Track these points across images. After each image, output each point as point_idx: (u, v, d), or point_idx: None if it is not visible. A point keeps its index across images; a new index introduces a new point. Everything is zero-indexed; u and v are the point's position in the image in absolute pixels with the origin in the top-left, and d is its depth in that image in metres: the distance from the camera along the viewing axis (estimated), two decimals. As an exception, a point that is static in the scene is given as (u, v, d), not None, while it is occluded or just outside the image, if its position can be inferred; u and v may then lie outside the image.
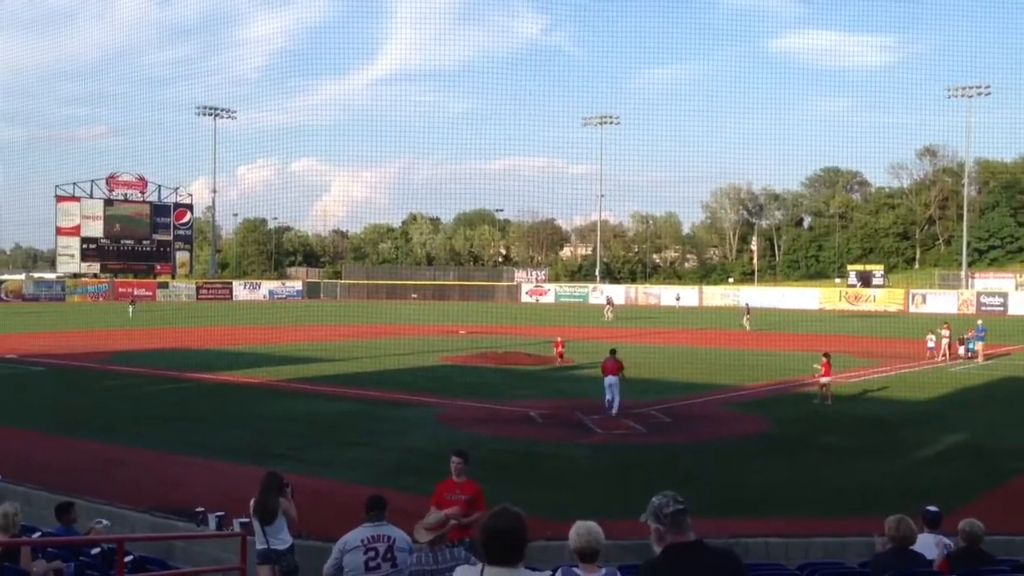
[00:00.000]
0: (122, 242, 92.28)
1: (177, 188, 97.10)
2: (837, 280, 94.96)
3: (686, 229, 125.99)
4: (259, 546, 9.09)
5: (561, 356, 30.61)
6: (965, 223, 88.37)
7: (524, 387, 26.01)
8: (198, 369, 29.12)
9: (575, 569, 5.74)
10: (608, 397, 21.74)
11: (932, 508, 9.16)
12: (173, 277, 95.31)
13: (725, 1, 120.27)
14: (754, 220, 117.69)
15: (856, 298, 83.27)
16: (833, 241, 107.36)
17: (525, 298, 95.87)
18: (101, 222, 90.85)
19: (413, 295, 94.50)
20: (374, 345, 37.10)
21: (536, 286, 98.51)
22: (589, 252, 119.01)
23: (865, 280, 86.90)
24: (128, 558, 8.52)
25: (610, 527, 8.99)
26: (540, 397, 23.84)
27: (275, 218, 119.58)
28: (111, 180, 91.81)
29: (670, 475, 14.57)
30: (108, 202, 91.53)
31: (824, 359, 23.60)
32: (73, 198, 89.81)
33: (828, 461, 16.59)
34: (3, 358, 32.35)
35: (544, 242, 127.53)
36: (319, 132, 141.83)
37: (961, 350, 34.95)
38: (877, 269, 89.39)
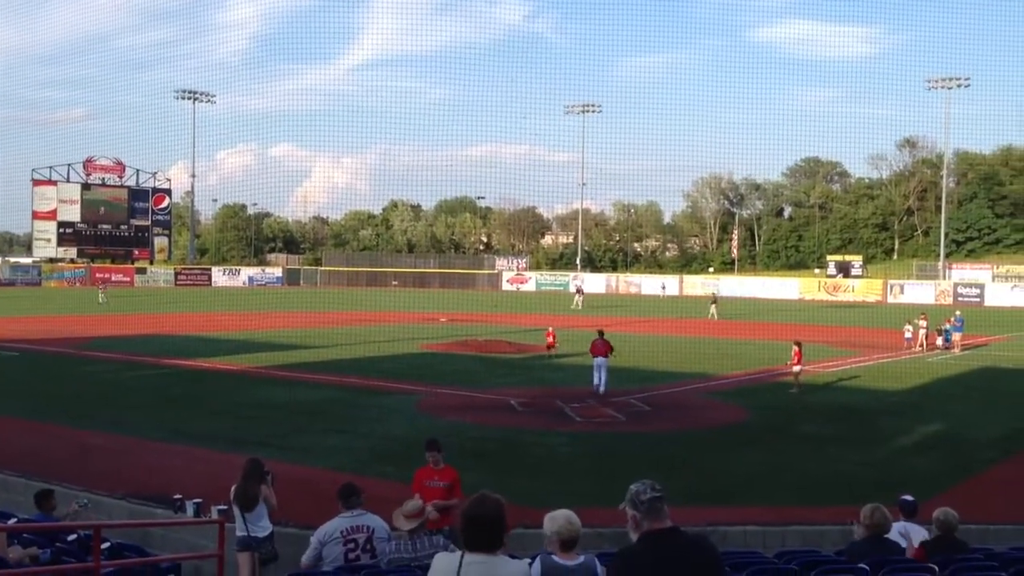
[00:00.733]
0: (99, 227, 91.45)
1: (155, 173, 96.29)
2: (816, 270, 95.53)
3: (667, 218, 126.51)
4: (239, 533, 9.06)
5: (552, 346, 30.21)
6: (943, 214, 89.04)
7: (504, 375, 26.03)
8: (177, 355, 28.95)
9: (553, 557, 5.75)
10: (596, 379, 22.76)
11: (908, 497, 9.25)
12: (151, 263, 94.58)
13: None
14: (735, 210, 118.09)
15: (835, 288, 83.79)
16: (813, 231, 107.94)
17: (506, 286, 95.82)
18: (78, 206, 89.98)
19: (394, 282, 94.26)
20: (354, 332, 37.00)
21: (517, 274, 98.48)
22: (570, 241, 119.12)
23: (844, 270, 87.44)
24: (105, 545, 8.48)
25: (589, 515, 9.02)
26: (520, 385, 23.87)
27: (255, 204, 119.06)
28: (88, 164, 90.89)
29: (649, 463, 14.62)
30: (85, 186, 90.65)
31: (796, 347, 23.79)
32: (50, 182, 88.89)
33: (805, 450, 16.71)
34: (-22, 343, 32.03)
35: (525, 230, 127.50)
36: (299, 118, 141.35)
37: (939, 340, 35.25)
38: (856, 260, 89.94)
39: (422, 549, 7.26)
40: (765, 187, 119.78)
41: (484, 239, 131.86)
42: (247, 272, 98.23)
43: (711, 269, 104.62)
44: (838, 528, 10.94)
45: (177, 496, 11.55)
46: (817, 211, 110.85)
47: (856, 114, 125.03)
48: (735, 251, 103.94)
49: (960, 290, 76.88)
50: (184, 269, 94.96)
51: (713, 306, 54.09)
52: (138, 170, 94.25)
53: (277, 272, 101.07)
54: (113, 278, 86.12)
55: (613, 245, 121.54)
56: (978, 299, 74.49)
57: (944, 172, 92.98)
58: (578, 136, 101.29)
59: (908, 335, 35.51)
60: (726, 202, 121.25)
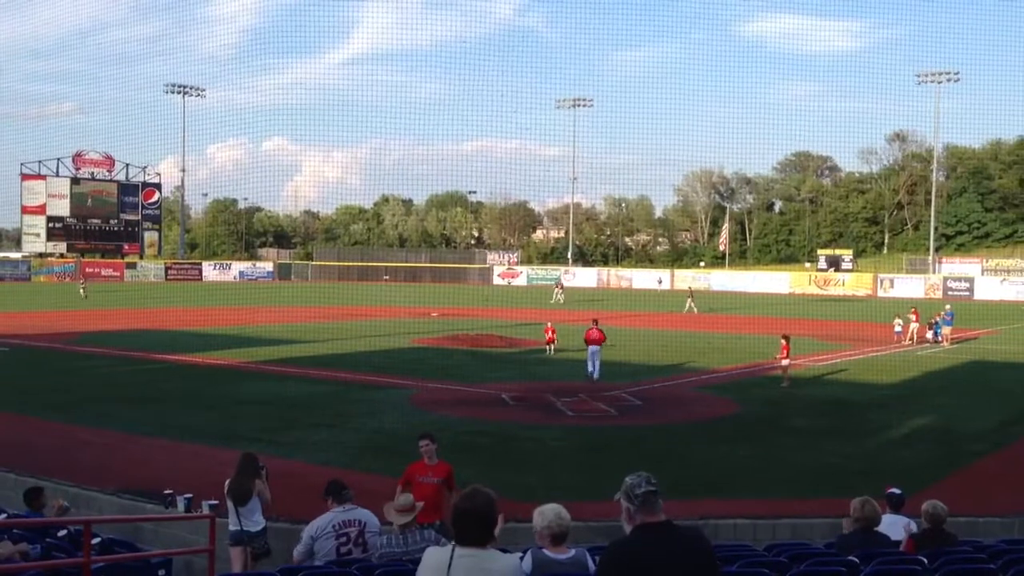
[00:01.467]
0: (89, 221, 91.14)
1: (145, 167, 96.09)
2: (807, 264, 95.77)
3: (658, 212, 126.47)
4: (232, 527, 9.06)
5: (551, 341, 29.63)
6: (933, 208, 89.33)
7: (496, 370, 26.04)
8: (167, 350, 28.86)
9: (544, 551, 5.77)
10: (590, 366, 23.86)
11: (895, 490, 9.31)
12: (141, 257, 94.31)
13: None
14: (726, 204, 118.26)
15: (825, 282, 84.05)
16: (803, 225, 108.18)
17: (497, 280, 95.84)
18: (67, 201, 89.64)
19: (385, 277, 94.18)
20: (346, 327, 36.97)
21: (508, 268, 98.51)
22: (561, 235, 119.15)
23: (834, 264, 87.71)
24: (95, 540, 8.45)
25: (580, 509, 9.07)
26: (512, 379, 23.87)
27: (245, 198, 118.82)
28: (77, 158, 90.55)
29: (640, 457, 14.64)
30: (75, 180, 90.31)
31: (783, 341, 23.90)
32: (39, 176, 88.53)
33: (796, 443, 16.76)
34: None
35: (516, 225, 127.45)
36: (290, 112, 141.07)
37: (928, 334, 35.38)
38: (846, 254, 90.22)
39: (413, 543, 7.28)
40: (756, 181, 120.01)
41: (475, 234, 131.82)
42: (238, 267, 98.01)
43: (702, 263, 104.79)
44: (828, 521, 11.00)
45: (168, 491, 11.55)
46: (807, 205, 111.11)
47: (846, 108, 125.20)
48: (723, 245, 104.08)
49: (950, 284, 77.21)
50: (174, 264, 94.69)
51: (690, 300, 54.40)
52: (128, 164, 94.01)
53: (268, 267, 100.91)
54: (103, 272, 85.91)
55: (604, 239, 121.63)
56: (968, 293, 74.83)
57: (934, 166, 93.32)
58: (569, 130, 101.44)
59: (898, 329, 35.64)
60: (717, 196, 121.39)
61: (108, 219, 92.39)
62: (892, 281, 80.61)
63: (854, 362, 29.13)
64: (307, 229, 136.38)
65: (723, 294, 78.96)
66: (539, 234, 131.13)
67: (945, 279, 78.86)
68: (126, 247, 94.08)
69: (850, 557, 7.22)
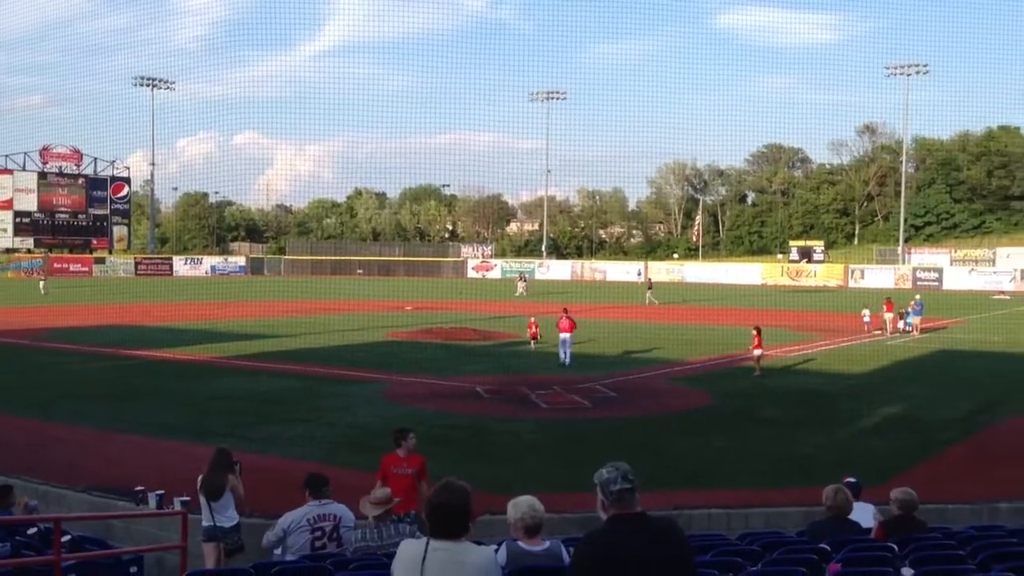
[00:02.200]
0: (57, 216, 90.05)
1: (114, 161, 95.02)
2: (779, 256, 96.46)
3: (632, 205, 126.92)
4: (205, 523, 9.00)
5: (535, 337, 29.53)
6: (903, 200, 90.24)
7: (470, 363, 26.03)
8: (138, 346, 28.59)
9: (518, 543, 5.78)
10: (562, 354, 25.12)
11: (851, 479, 9.43)
12: (110, 252, 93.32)
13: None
14: (699, 196, 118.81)
15: (797, 273, 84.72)
16: (776, 217, 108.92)
17: (471, 274, 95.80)
18: (35, 195, 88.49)
19: (359, 271, 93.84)
20: (319, 321, 36.80)
21: (482, 262, 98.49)
22: (536, 228, 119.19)
23: (806, 256, 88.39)
24: (65, 538, 8.37)
25: (555, 500, 9.09)
26: (486, 373, 23.87)
27: (216, 192, 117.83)
28: (45, 152, 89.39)
29: (615, 449, 14.69)
30: (42, 175, 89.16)
31: (755, 332, 24.12)
32: (5, 171, 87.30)
33: (768, 433, 16.88)
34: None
35: (491, 218, 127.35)
36: (262, 105, 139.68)
37: (900, 324, 35.75)
38: (818, 245, 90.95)
39: (388, 537, 7.26)
40: (728, 173, 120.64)
41: (449, 227, 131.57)
42: (209, 261, 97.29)
43: (676, 255, 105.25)
44: (801, 509, 11.10)
45: (139, 488, 11.45)
46: (779, 197, 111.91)
47: (817, 101, 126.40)
48: (695, 236, 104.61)
49: (919, 274, 78.10)
50: (144, 259, 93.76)
51: (649, 292, 54.68)
52: (96, 158, 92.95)
53: (240, 261, 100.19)
54: (71, 268, 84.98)
55: (578, 232, 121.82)
56: (937, 283, 75.70)
57: (903, 158, 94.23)
58: (543, 123, 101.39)
59: (866, 319, 35.95)
60: (690, 188, 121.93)
61: (76, 214, 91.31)
62: (863, 272, 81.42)
63: (826, 352, 29.39)
64: (279, 223, 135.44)
65: (697, 286, 79.39)
66: (513, 227, 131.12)
67: (914, 269, 79.75)
68: (95, 242, 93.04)
69: (821, 545, 7.29)
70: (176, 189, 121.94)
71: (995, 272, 76.18)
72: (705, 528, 10.74)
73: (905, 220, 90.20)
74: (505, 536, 6.22)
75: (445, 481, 4.47)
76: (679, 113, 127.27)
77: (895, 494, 8.42)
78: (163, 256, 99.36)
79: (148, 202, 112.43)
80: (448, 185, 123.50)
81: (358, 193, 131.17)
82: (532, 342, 29.40)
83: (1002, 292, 66.52)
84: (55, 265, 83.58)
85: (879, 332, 35.07)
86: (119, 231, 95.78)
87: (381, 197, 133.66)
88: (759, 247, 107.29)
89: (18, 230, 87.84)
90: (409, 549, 4.44)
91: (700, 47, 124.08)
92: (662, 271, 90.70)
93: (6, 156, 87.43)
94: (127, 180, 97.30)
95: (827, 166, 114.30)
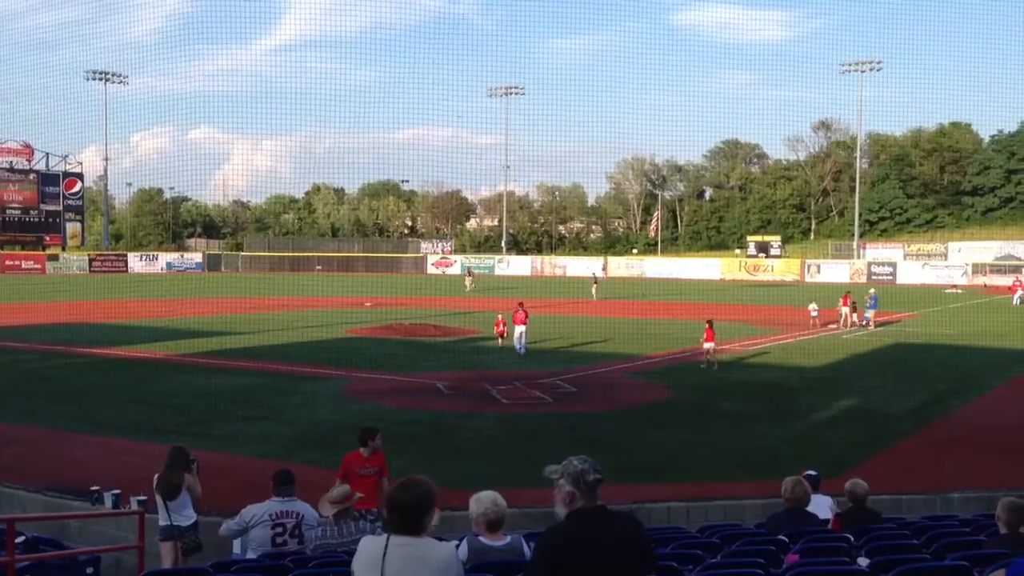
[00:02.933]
0: (7, 212, 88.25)
1: (66, 156, 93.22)
2: (737, 251, 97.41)
3: (591, 200, 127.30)
4: (161, 522, 8.91)
5: (503, 335, 29.17)
6: (857, 195, 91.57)
7: (430, 359, 25.97)
8: (92, 344, 28.13)
9: (480, 538, 5.78)
10: (518, 345, 26.51)
11: (811, 472, 9.58)
12: (64, 249, 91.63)
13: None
14: (657, 192, 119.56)
15: (755, 268, 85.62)
16: (733, 212, 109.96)
17: (431, 270, 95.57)
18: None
19: (318, 267, 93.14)
20: (278, 318, 36.48)
21: (442, 258, 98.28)
22: (495, 223, 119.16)
23: (763, 251, 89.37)
24: (19, 539, 8.24)
25: (517, 496, 9.10)
26: (446, 369, 23.84)
27: (172, 188, 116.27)
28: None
29: (576, 443, 14.74)
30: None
31: (707, 326, 24.44)
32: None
33: (727, 427, 17.06)
34: None
35: (450, 214, 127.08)
36: (218, 100, 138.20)
37: (854, 316, 36.29)
38: (775, 240, 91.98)
39: (348, 534, 7.23)
40: (686, 169, 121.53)
41: (409, 223, 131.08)
42: (165, 258, 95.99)
43: (635, 251, 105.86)
44: (759, 502, 11.23)
45: (95, 487, 11.27)
46: (737, 192, 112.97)
47: (774, 97, 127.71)
48: (653, 232, 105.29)
49: (874, 269, 79.35)
50: (99, 255, 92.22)
51: (594, 286, 55.02)
52: (48, 153, 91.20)
53: (197, 258, 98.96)
54: (23, 265, 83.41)
55: (538, 228, 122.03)
56: (891, 277, 76.97)
57: (858, 154, 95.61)
58: (502, 119, 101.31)
59: (814, 313, 36.41)
60: (649, 184, 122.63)
61: (28, 210, 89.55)
62: (819, 266, 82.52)
63: (783, 346, 29.74)
64: (237, 219, 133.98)
65: (656, 281, 79.91)
66: (473, 223, 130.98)
67: (869, 264, 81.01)
68: (47, 239, 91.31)
69: (780, 536, 7.38)
70: (131, 185, 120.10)
71: (947, 266, 77.65)
72: (665, 521, 10.84)
73: (860, 215, 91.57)
74: (466, 532, 6.22)
75: (406, 478, 4.46)
76: (637, 109, 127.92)
77: (847, 486, 8.60)
78: (118, 253, 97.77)
79: (102, 198, 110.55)
80: (407, 181, 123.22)
81: (316, 189, 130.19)
82: (499, 339, 29.33)
83: (954, 286, 67.78)
84: (7, 262, 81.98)
85: (834, 326, 35.56)
86: (72, 227, 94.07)
87: (340, 193, 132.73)
88: (717, 242, 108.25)
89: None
90: (369, 546, 4.42)
91: (657, 43, 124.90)
92: (621, 266, 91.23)
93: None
94: (80, 176, 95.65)
95: (783, 162, 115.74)
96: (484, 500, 5.84)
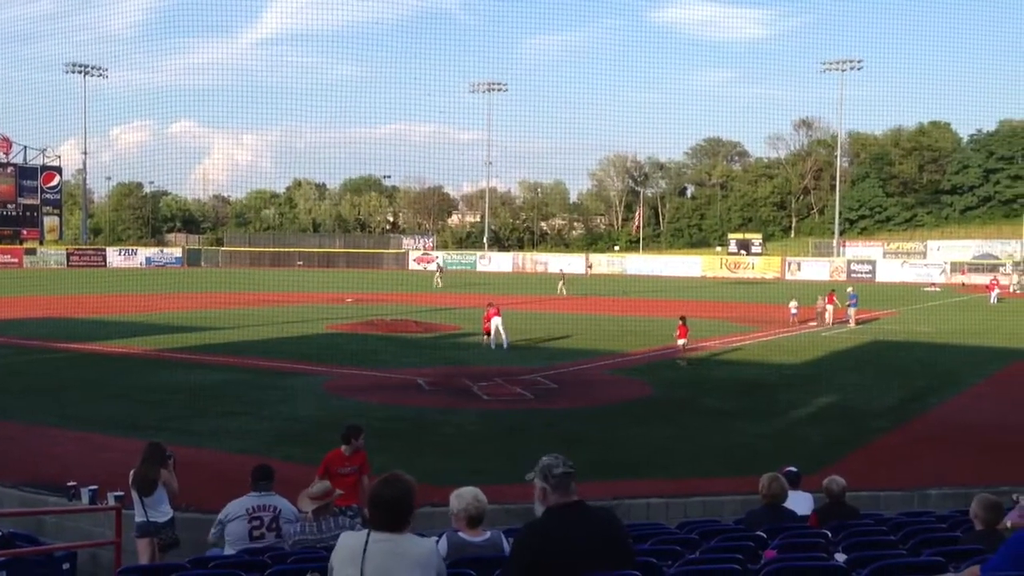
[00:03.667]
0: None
1: (44, 149, 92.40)
2: (718, 248, 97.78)
3: (573, 197, 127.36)
4: (138, 519, 8.85)
5: (489, 332, 29.58)
6: (837, 193, 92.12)
7: (412, 355, 25.92)
8: (70, 339, 27.91)
9: (460, 533, 5.78)
10: (503, 337, 26.85)
11: (792, 469, 9.64)
12: (41, 243, 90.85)
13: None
14: (639, 189, 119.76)
15: (736, 266, 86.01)
16: (714, 210, 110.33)
17: (413, 266, 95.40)
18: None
19: (299, 262, 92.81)
20: (258, 313, 36.32)
21: (424, 253, 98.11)
22: (477, 220, 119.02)
23: (744, 248, 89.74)
24: (-6, 535, 8.16)
25: (497, 492, 9.10)
26: (427, 365, 23.81)
27: (151, 182, 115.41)
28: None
29: (556, 439, 14.77)
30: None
31: (680, 322, 24.57)
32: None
33: (707, 423, 17.13)
34: None
35: (432, 209, 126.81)
36: (199, 94, 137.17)
37: (844, 315, 36.57)
38: (756, 237, 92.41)
39: (327, 530, 7.22)
40: (668, 166, 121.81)
41: (390, 219, 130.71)
42: (144, 253, 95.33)
43: (617, 248, 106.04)
44: (738, 498, 11.28)
45: (72, 483, 11.19)
46: (718, 190, 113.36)
47: (755, 95, 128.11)
48: (636, 230, 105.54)
49: (853, 267, 79.86)
50: (77, 250, 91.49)
51: (561, 283, 55.14)
52: (26, 147, 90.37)
53: (176, 252, 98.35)
54: None
55: (520, 224, 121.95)
56: (870, 275, 77.50)
57: (838, 152, 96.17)
58: (484, 115, 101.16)
59: (794, 311, 36.61)
60: (631, 181, 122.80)
61: (5, 203, 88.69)
62: (799, 264, 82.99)
63: (764, 344, 29.88)
64: (217, 214, 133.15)
65: (637, 278, 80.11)
66: (455, 219, 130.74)
67: (849, 262, 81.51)
68: (25, 233, 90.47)
69: (758, 532, 7.42)
70: (110, 179, 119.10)
71: (926, 265, 78.26)
72: (644, 517, 10.86)
73: (840, 213, 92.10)
74: (446, 528, 6.22)
75: (389, 473, 4.45)
76: (620, 106, 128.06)
77: (824, 483, 8.67)
78: (96, 247, 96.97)
79: (80, 192, 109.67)
80: (389, 176, 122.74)
81: (298, 184, 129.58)
82: (485, 336, 29.19)
83: (933, 284, 68.30)
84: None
85: (814, 323, 35.77)
86: (50, 221, 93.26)
87: (321, 188, 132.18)
88: (699, 239, 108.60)
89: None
90: (350, 541, 4.41)
91: (638, 40, 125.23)
92: (603, 263, 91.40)
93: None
94: (58, 169, 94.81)
95: (764, 160, 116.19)
96: (465, 496, 5.84)
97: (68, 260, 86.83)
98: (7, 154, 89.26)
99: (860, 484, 11.53)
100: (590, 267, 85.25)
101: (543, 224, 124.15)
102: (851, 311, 36.31)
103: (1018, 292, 62.97)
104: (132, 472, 8.92)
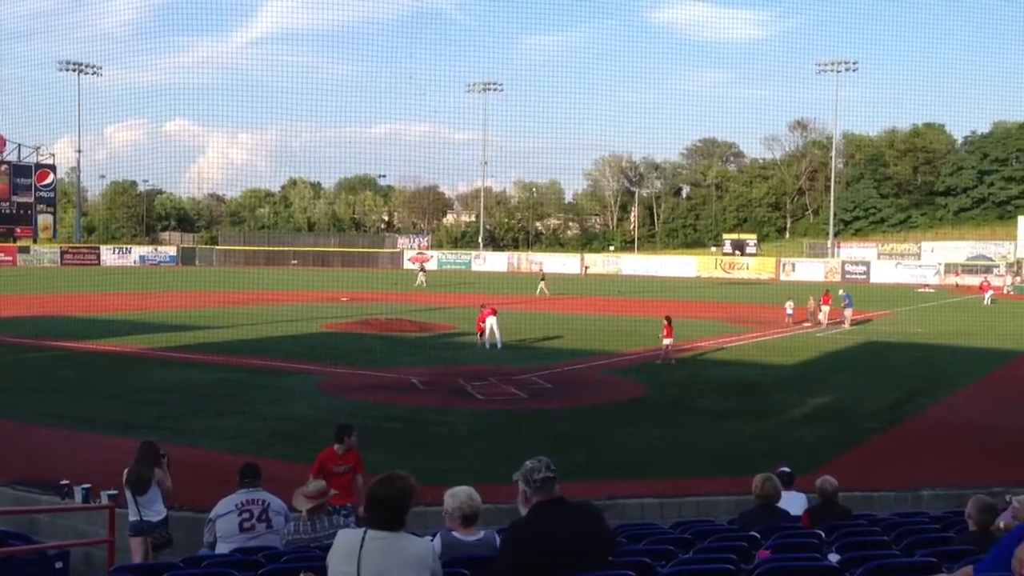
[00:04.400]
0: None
1: (38, 147, 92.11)
2: (713, 249, 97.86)
3: (568, 197, 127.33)
4: (131, 518, 8.84)
5: (483, 332, 28.85)
6: (832, 194, 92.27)
7: (406, 354, 25.91)
8: (64, 337, 27.85)
9: (453, 533, 5.79)
10: (495, 338, 26.99)
11: (785, 469, 9.66)
12: (35, 241, 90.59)
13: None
14: (635, 189, 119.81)
15: (731, 266, 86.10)
16: (709, 210, 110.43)
17: (408, 265, 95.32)
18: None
19: (293, 261, 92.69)
20: (253, 312, 36.29)
21: (419, 253, 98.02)
22: (472, 219, 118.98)
23: (739, 249, 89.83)
24: (-13, 534, 8.14)
25: (491, 491, 9.09)
26: (422, 364, 23.80)
27: (146, 181, 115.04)
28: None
29: (551, 440, 14.78)
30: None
31: (665, 322, 24.73)
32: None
33: (701, 423, 17.14)
34: None
35: (427, 209, 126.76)
36: (194, 92, 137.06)
37: (820, 315, 36.61)
38: (750, 238, 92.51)
39: (321, 529, 7.21)
40: (664, 167, 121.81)
41: (385, 218, 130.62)
42: (138, 251, 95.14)
43: (612, 248, 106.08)
44: (732, 498, 11.30)
45: (64, 481, 11.17)
46: (713, 191, 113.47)
47: (751, 96, 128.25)
48: (632, 229, 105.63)
49: (848, 268, 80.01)
50: (71, 248, 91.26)
51: (542, 283, 55.17)
52: (20, 144, 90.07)
53: (171, 251, 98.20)
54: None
55: (515, 224, 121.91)
56: (864, 276, 77.64)
57: (833, 154, 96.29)
58: (480, 115, 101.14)
59: (789, 311, 36.67)
60: (626, 181, 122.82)
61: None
62: (794, 265, 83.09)
63: (758, 344, 29.92)
64: (212, 213, 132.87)
65: (632, 278, 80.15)
66: (450, 218, 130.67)
67: (843, 263, 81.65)
68: (18, 231, 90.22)
69: (752, 532, 7.42)
70: (104, 177, 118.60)
71: (920, 266, 78.41)
72: (639, 517, 10.87)
73: (834, 214, 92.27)
74: (440, 527, 6.22)
75: (388, 473, 4.46)
76: (615, 106, 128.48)
77: (817, 483, 8.69)
78: (90, 245, 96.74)
79: (74, 190, 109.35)
80: (384, 175, 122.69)
81: (293, 183, 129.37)
82: (479, 336, 29.17)
83: (926, 285, 68.45)
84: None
85: (808, 324, 35.83)
86: (44, 219, 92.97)
87: (316, 187, 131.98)
88: (694, 240, 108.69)
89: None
90: (346, 539, 4.42)
91: (636, 41, 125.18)
92: (599, 263, 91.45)
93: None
94: (52, 167, 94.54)
95: (760, 161, 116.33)
96: (459, 495, 5.84)
97: (62, 258, 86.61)
98: (1, 152, 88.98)
99: (854, 484, 11.56)
100: (586, 268, 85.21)
101: (538, 224, 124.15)
102: (846, 312, 36.39)
103: (1011, 293, 63.13)
104: (126, 471, 8.91)
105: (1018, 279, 69.51)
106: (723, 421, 17.29)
